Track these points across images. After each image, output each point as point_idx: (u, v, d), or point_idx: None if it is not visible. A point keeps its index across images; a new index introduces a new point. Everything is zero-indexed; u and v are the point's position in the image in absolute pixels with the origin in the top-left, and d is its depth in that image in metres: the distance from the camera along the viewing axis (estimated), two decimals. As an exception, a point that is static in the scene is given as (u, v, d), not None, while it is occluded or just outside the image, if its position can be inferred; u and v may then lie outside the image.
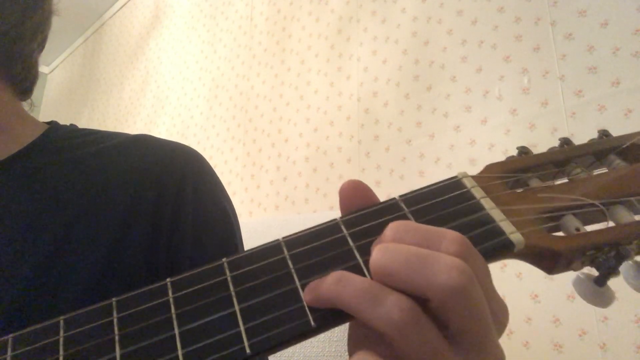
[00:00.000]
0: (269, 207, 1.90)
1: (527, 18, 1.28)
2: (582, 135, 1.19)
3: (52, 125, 0.48)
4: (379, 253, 0.22)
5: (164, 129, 2.68)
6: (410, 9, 1.58)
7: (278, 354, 0.64)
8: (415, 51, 1.53)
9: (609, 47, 1.11)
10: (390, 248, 0.22)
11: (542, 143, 1.18)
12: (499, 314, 0.23)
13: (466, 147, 1.32)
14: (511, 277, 1.13)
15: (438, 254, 0.21)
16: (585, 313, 1.01)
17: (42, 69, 4.13)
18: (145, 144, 0.47)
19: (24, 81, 0.46)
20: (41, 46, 0.48)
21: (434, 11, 1.51)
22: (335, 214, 0.27)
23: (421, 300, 0.21)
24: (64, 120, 0.50)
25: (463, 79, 1.38)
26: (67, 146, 0.45)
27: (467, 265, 0.21)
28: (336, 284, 0.22)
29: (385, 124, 1.57)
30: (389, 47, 1.62)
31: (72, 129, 0.49)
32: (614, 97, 1.08)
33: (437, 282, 0.20)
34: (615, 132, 0.28)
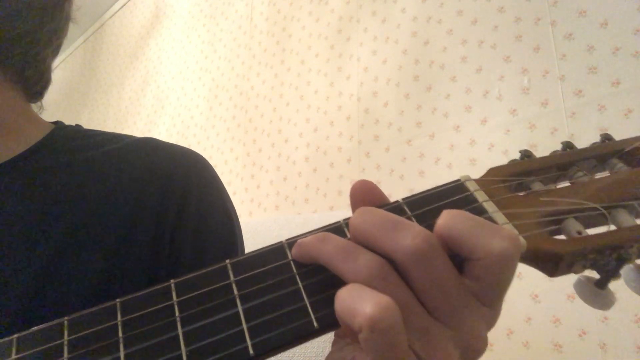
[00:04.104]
0: (269, 207, 1.90)
1: (527, 18, 1.28)
2: (582, 135, 1.17)
3: (58, 125, 0.48)
4: (358, 214, 0.24)
5: (164, 129, 2.68)
6: (410, 9, 1.58)
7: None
8: (415, 51, 1.53)
9: (609, 47, 1.11)
10: (369, 211, 0.24)
11: (542, 143, 1.18)
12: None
13: (466, 147, 1.32)
14: (511, 277, 1.13)
15: (411, 223, 0.23)
16: (585, 313, 1.02)
17: (42, 68, 4.12)
18: (151, 147, 0.46)
19: (35, 85, 0.46)
20: (55, 52, 0.48)
21: (434, 11, 1.51)
22: (336, 214, 0.28)
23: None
24: (63, 121, 0.50)
25: (463, 79, 1.38)
26: (72, 147, 0.45)
27: (434, 237, 0.22)
28: (319, 242, 0.24)
29: (385, 124, 1.57)
30: (389, 47, 1.62)
31: (78, 130, 0.49)
32: (614, 97, 1.08)
33: (401, 245, 0.22)
34: (615, 132, 0.29)
